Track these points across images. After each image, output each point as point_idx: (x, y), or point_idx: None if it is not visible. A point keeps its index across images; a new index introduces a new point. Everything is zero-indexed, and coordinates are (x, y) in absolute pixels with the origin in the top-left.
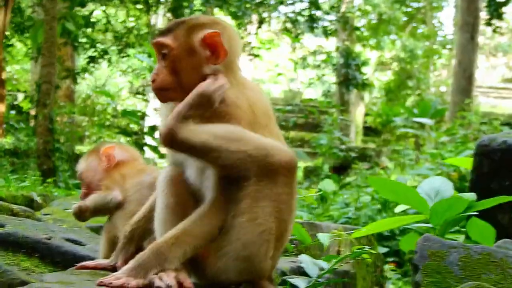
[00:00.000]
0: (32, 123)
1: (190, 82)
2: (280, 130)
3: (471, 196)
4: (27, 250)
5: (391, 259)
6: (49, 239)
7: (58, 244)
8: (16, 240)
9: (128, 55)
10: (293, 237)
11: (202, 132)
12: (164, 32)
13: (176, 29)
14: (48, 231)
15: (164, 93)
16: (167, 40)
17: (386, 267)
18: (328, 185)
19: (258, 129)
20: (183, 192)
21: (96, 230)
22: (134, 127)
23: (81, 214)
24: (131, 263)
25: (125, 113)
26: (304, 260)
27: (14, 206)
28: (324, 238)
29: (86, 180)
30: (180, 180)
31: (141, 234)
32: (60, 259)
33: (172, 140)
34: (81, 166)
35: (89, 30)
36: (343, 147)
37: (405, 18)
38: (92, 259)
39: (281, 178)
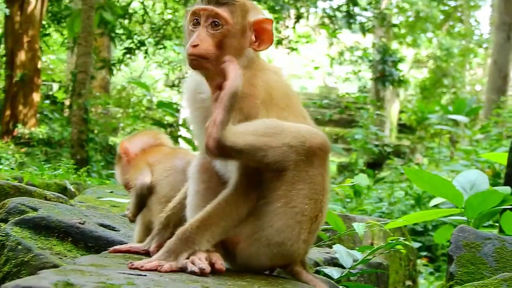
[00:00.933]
0: (66, 113)
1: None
2: (305, 111)
3: (506, 190)
4: (60, 234)
5: (423, 254)
6: (83, 223)
7: (92, 229)
8: (49, 224)
9: (164, 47)
10: (328, 226)
11: (245, 134)
12: (220, 3)
13: (232, 5)
14: (81, 216)
15: (200, 61)
16: (224, 13)
17: (419, 261)
18: (363, 179)
19: (275, 110)
20: (212, 179)
21: None
22: (169, 119)
23: (132, 221)
24: (162, 249)
25: (161, 104)
26: (339, 250)
27: (48, 193)
28: (359, 227)
29: (122, 182)
30: (209, 167)
31: (177, 220)
32: (93, 244)
33: (221, 150)
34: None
35: (126, 21)
36: (377, 143)
37: (442, 17)
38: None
39: (316, 160)
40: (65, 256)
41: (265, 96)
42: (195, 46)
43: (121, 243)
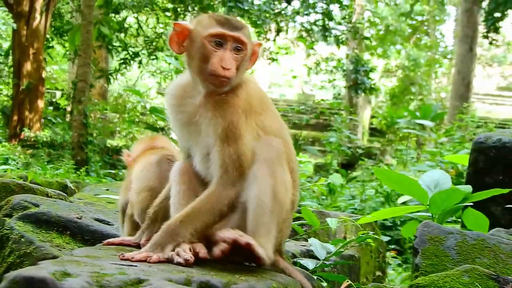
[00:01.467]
0: (68, 118)
1: (238, 76)
2: (277, 113)
3: (467, 188)
4: (59, 228)
5: (392, 247)
6: (80, 218)
7: (88, 223)
8: (49, 219)
9: (157, 58)
10: (304, 221)
11: None
12: (239, 28)
13: (244, 29)
14: (79, 211)
15: (227, 82)
16: (245, 38)
17: (388, 254)
18: (336, 178)
19: (253, 115)
20: (192, 180)
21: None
22: (161, 123)
23: None
24: (149, 242)
25: (154, 110)
26: (313, 243)
27: (49, 190)
28: (332, 222)
29: (129, 181)
30: (188, 170)
31: (164, 215)
32: (89, 237)
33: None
34: None
35: (122, 34)
36: (350, 145)
37: (410, 30)
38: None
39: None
40: (64, 248)
41: (245, 105)
42: (228, 69)
43: (114, 236)
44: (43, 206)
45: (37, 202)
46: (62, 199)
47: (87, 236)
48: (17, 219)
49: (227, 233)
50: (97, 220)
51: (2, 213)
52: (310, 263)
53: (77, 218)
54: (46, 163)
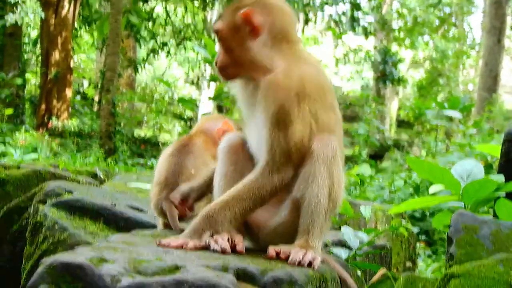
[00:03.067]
0: (95, 108)
1: (243, 56)
2: (336, 103)
3: (500, 178)
4: (93, 215)
5: (422, 238)
6: (114, 205)
7: (122, 211)
8: (83, 206)
9: (185, 48)
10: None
11: None
12: (217, 19)
13: (224, 13)
14: (113, 198)
15: (224, 72)
16: (218, 25)
17: (418, 245)
18: (365, 169)
19: (307, 101)
20: (241, 160)
21: None
22: (189, 113)
23: None
24: (187, 229)
25: (182, 100)
26: (346, 232)
27: (80, 178)
28: (366, 210)
29: None
30: (239, 148)
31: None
32: (123, 224)
33: None
34: None
35: (150, 24)
36: (379, 136)
37: (438, 22)
38: (154, 225)
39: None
40: (98, 235)
41: (299, 88)
42: (215, 63)
43: (148, 224)
44: (76, 193)
45: (71, 189)
46: (94, 186)
47: (121, 223)
48: (51, 205)
49: (294, 256)
50: (131, 207)
51: (36, 200)
52: (343, 252)
53: (112, 205)
54: (74, 152)
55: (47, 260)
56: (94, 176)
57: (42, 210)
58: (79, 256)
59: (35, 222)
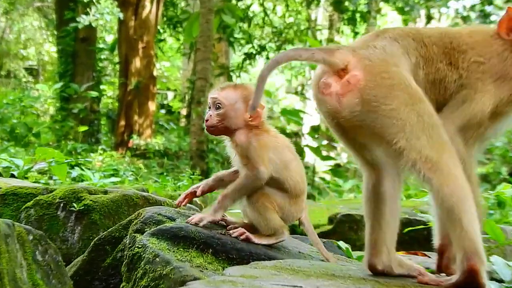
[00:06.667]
0: (182, 123)
1: None
2: None
3: None
4: (200, 245)
5: None
6: (223, 234)
7: (233, 240)
8: (187, 235)
9: None
10: (486, 236)
11: None
12: None
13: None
14: (221, 226)
15: None
16: None
17: None
18: (507, 189)
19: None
20: None
21: None
22: (292, 127)
23: None
24: None
25: (285, 112)
26: (497, 262)
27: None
28: None
29: None
30: None
31: None
32: (235, 255)
33: None
34: None
35: (245, 25)
36: None
37: None
38: (271, 256)
39: None
40: (206, 269)
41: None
42: None
43: (263, 255)
44: (179, 220)
45: (172, 216)
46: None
47: (232, 254)
48: (151, 235)
49: None
50: None
51: (132, 229)
52: (492, 286)
53: (221, 233)
54: (163, 174)
55: None
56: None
57: (140, 241)
58: None
59: (132, 254)
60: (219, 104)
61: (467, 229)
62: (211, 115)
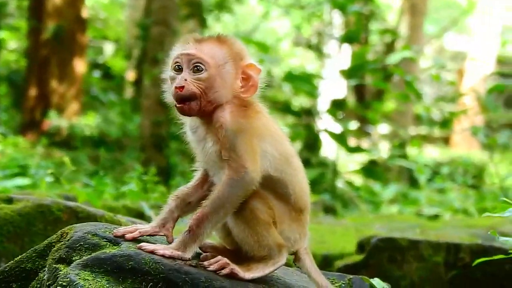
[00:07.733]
0: (128, 93)
1: None
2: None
3: None
4: (158, 283)
5: None
6: (195, 265)
7: (210, 275)
8: (139, 267)
9: None
10: None
11: None
12: None
13: None
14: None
15: None
16: None
17: None
18: None
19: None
20: None
21: None
22: (303, 101)
23: None
24: None
25: (291, 77)
26: None
27: (123, 219)
28: None
29: None
30: None
31: None
32: None
33: None
34: None
35: None
36: None
37: None
38: None
39: None
40: None
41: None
42: None
43: None
44: (126, 244)
45: (111, 238)
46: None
47: None
48: (82, 267)
49: None
50: None
51: (53, 257)
52: None
53: (192, 265)
54: (93, 175)
55: None
56: (139, 215)
57: (66, 275)
58: None
59: None
60: (200, 65)
61: None
62: (186, 80)
